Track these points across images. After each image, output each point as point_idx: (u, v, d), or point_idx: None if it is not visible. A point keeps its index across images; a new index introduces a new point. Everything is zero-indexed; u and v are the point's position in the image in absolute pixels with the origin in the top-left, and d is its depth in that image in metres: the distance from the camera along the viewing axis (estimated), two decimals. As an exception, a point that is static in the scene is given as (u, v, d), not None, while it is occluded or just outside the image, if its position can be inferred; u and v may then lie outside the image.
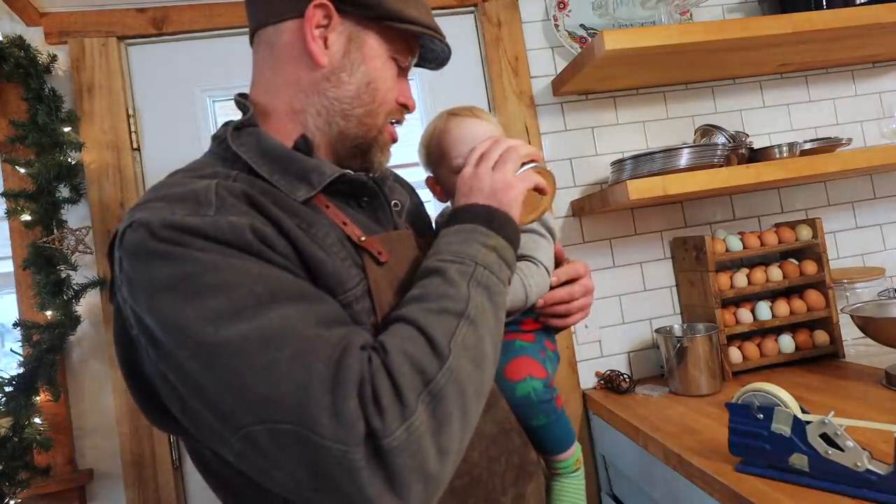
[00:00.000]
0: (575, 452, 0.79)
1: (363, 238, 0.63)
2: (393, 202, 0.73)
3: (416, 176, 0.95)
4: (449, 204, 0.89)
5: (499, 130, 0.83)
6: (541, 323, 0.81)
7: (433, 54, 0.77)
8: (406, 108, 0.74)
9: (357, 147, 0.69)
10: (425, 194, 0.94)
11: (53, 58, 1.35)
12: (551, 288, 0.79)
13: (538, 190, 0.72)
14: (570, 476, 0.78)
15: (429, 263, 0.61)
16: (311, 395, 0.47)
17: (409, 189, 0.90)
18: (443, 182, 0.85)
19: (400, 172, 0.88)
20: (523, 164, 0.70)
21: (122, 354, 0.58)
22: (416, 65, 0.78)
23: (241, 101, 0.70)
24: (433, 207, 1.05)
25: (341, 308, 0.57)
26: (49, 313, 1.27)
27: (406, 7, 0.67)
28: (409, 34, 0.70)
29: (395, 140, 0.74)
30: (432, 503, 0.50)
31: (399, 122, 0.74)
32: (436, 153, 0.85)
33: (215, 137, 0.68)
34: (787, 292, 1.48)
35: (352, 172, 0.67)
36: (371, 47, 0.67)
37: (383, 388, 0.48)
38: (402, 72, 0.73)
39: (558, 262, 0.83)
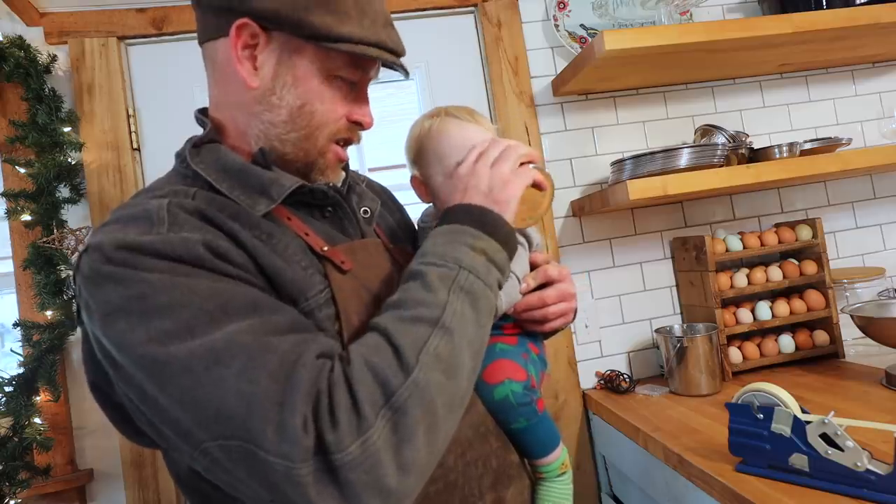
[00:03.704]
0: (560, 456, 0.78)
1: (325, 248, 0.63)
2: (362, 210, 0.72)
3: (406, 179, 0.92)
4: (432, 205, 0.86)
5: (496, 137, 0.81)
6: (521, 327, 0.80)
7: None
8: (360, 125, 0.69)
9: (297, 171, 0.66)
10: (411, 196, 0.91)
11: (53, 58, 1.35)
12: (524, 295, 0.78)
13: (537, 186, 0.71)
14: (555, 480, 0.77)
15: (412, 266, 0.59)
16: (255, 409, 0.47)
17: (386, 195, 0.89)
18: (431, 183, 0.82)
19: (389, 174, 0.85)
20: (521, 165, 0.69)
21: (92, 379, 0.59)
22: (386, 67, 0.71)
23: (200, 117, 0.69)
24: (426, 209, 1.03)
25: (302, 316, 0.57)
26: (49, 313, 1.28)
27: (339, 24, 0.60)
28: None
29: (342, 161, 0.70)
30: None
31: (350, 141, 0.69)
32: (429, 154, 0.81)
33: (177, 155, 0.68)
34: (787, 292, 1.48)
35: (311, 183, 0.66)
36: (304, 68, 0.62)
37: (341, 400, 0.48)
38: (356, 86, 0.67)
39: (534, 269, 0.81)
